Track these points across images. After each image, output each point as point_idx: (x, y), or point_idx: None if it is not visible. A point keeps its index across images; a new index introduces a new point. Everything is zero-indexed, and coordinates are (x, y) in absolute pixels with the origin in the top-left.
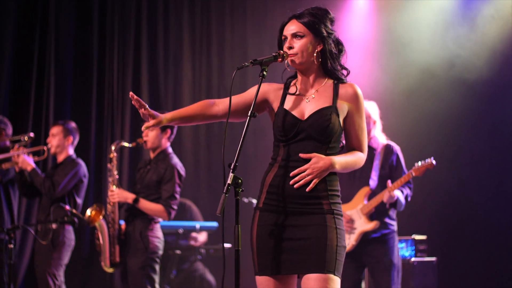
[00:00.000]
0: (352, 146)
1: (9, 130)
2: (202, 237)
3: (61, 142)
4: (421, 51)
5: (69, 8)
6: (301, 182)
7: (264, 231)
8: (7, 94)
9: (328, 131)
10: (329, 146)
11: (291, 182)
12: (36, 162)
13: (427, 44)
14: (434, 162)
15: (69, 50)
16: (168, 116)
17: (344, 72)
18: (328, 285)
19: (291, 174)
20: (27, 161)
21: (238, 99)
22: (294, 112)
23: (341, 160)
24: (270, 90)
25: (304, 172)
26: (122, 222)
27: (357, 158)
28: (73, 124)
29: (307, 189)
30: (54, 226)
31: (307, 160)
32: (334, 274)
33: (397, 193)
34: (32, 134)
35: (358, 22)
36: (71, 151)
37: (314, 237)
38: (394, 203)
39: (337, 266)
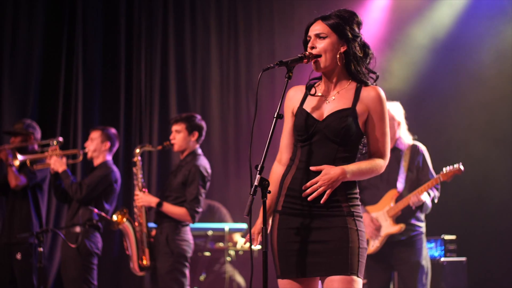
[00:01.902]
0: (373, 151)
1: (38, 134)
2: (237, 238)
3: (98, 147)
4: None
5: (96, 13)
6: (314, 195)
7: (285, 235)
8: (36, 99)
9: (343, 132)
10: (346, 149)
11: (303, 195)
12: (72, 166)
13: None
14: (462, 167)
15: (97, 55)
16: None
17: (372, 76)
18: (352, 286)
19: (303, 187)
20: (59, 163)
21: (287, 135)
22: (312, 113)
23: (353, 169)
24: (296, 92)
25: (316, 183)
26: (154, 226)
27: (374, 165)
28: (113, 130)
29: (322, 201)
30: (78, 229)
31: (324, 162)
32: (358, 276)
33: (425, 197)
34: (61, 139)
35: (384, 20)
36: (108, 156)
37: (336, 239)
38: (420, 206)
39: (360, 268)
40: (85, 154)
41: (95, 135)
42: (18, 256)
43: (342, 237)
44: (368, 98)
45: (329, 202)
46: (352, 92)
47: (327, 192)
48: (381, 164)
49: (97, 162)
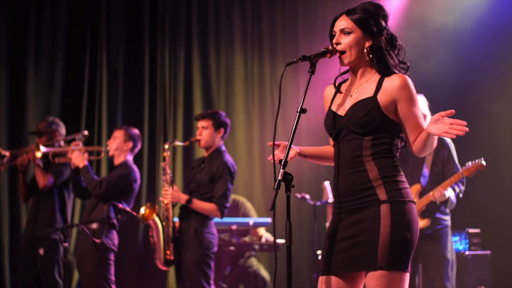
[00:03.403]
0: (414, 138)
1: (62, 130)
2: (262, 232)
3: (120, 146)
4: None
5: (120, 9)
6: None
7: (329, 233)
8: (60, 96)
9: (363, 122)
10: (374, 138)
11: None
12: (91, 162)
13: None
14: (484, 163)
15: (120, 51)
16: (306, 152)
17: (403, 66)
18: (381, 281)
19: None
20: (81, 158)
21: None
22: (337, 110)
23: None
24: (329, 92)
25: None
26: (176, 220)
27: (434, 140)
28: (135, 131)
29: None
30: (94, 226)
31: (354, 158)
32: (389, 270)
33: (449, 192)
34: (86, 132)
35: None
36: (129, 156)
37: (367, 232)
38: (445, 202)
39: (393, 261)
40: (106, 152)
41: (118, 134)
42: (41, 251)
43: (372, 230)
44: (392, 87)
45: (363, 192)
46: (375, 83)
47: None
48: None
49: (118, 161)
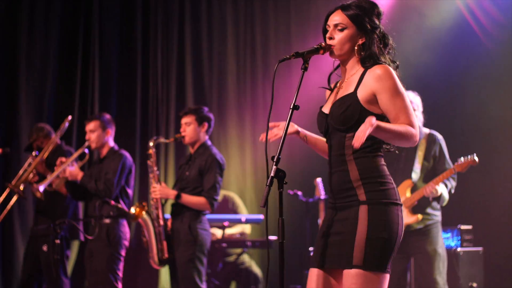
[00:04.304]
0: None
1: (53, 135)
2: (247, 229)
3: (101, 137)
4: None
5: (113, 4)
6: (357, 142)
7: (321, 227)
8: (52, 91)
9: (342, 118)
10: (352, 136)
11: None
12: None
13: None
14: (476, 159)
15: (113, 47)
16: (307, 134)
17: (392, 66)
18: (356, 280)
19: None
20: (75, 172)
21: None
22: (324, 108)
23: (385, 124)
24: (328, 91)
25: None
26: (168, 217)
27: (406, 129)
28: (108, 116)
29: (357, 145)
30: (108, 221)
31: (338, 156)
32: (365, 269)
33: (441, 188)
34: (70, 117)
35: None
36: (112, 143)
37: (346, 231)
38: (438, 197)
39: (369, 260)
40: (90, 151)
41: (94, 125)
42: (45, 248)
43: (350, 229)
44: (372, 78)
45: (346, 191)
46: (358, 77)
47: (360, 136)
48: (413, 131)
49: (104, 151)
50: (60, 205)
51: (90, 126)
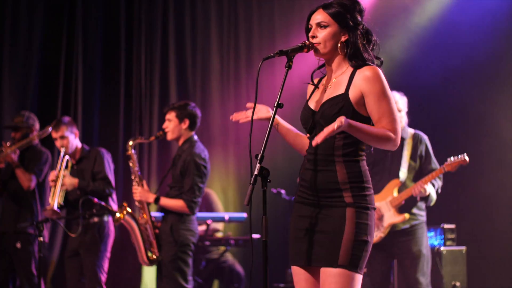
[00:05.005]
0: None
1: (37, 125)
2: (217, 226)
3: (72, 140)
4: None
5: (97, 3)
6: (318, 139)
7: (296, 222)
8: (35, 89)
9: (335, 119)
10: (345, 136)
11: (313, 144)
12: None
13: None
14: (467, 158)
15: (97, 44)
16: (283, 124)
17: (376, 63)
18: (339, 279)
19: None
20: (70, 181)
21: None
22: (312, 105)
23: (359, 124)
24: (310, 87)
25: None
26: (161, 215)
27: (383, 133)
28: (67, 118)
29: (317, 141)
30: (96, 219)
31: (325, 156)
32: (349, 270)
33: (429, 188)
34: (50, 129)
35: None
36: (79, 144)
37: (331, 230)
38: (426, 197)
39: (353, 261)
40: (68, 155)
41: (62, 132)
42: (18, 245)
43: (337, 229)
44: (361, 79)
45: (331, 192)
46: (347, 77)
47: (325, 132)
48: (391, 136)
49: (77, 155)
50: (28, 204)
51: (59, 133)
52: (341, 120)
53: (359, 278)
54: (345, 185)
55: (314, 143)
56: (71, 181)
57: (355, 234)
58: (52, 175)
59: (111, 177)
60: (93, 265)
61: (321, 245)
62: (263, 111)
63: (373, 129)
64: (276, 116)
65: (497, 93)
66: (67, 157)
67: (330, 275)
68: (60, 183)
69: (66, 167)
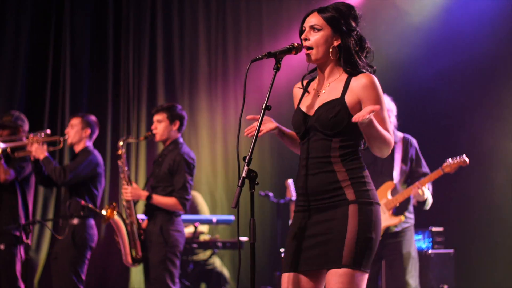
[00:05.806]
0: None
1: (26, 126)
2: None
3: (79, 134)
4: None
5: (85, 3)
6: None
7: (293, 232)
8: (23, 89)
9: (331, 123)
10: (341, 139)
11: (353, 120)
12: (53, 153)
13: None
14: (467, 159)
15: (84, 45)
16: (285, 131)
17: (369, 70)
18: (343, 279)
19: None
20: (40, 149)
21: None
22: (305, 109)
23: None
24: (298, 90)
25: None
26: (145, 217)
27: (388, 136)
28: (92, 118)
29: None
30: (75, 221)
31: (322, 158)
32: (353, 268)
33: (427, 192)
34: (48, 131)
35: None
36: (88, 143)
37: (335, 231)
38: (423, 201)
39: (357, 260)
40: (65, 141)
41: (75, 121)
42: (1, 246)
43: (340, 229)
44: (358, 87)
45: (332, 192)
46: (342, 83)
47: (365, 114)
48: (391, 142)
49: (78, 148)
50: (11, 205)
51: (72, 121)
52: (372, 109)
53: (364, 276)
54: (346, 182)
55: (356, 119)
56: (39, 150)
57: (358, 232)
58: (33, 137)
59: (78, 171)
60: (67, 270)
61: (324, 247)
62: (268, 124)
63: (384, 131)
64: (281, 126)
65: (482, 96)
66: (61, 138)
67: (335, 275)
68: (27, 143)
69: (54, 144)
